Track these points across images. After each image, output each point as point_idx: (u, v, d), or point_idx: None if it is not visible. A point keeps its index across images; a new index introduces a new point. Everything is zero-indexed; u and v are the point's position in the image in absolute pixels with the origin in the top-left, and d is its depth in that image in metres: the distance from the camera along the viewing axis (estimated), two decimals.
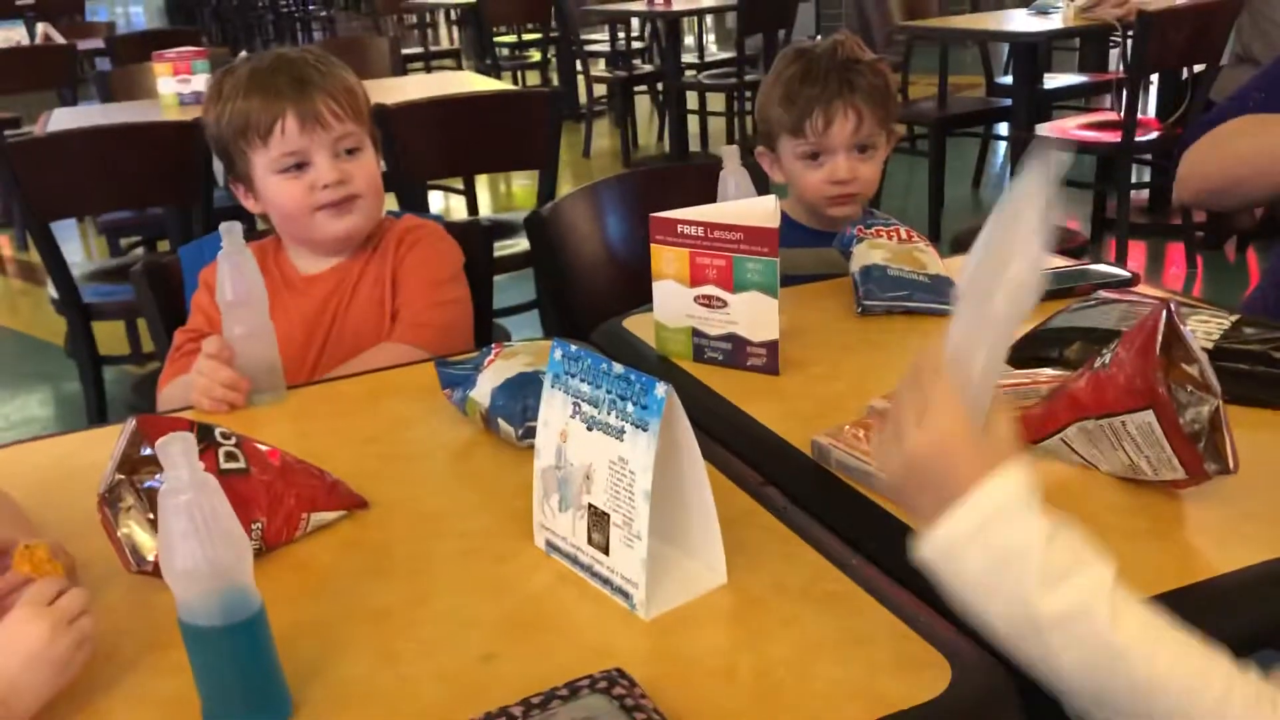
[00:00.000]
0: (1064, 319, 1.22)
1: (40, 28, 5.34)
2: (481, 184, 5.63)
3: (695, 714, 0.72)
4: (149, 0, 13.85)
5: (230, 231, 1.22)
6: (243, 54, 3.32)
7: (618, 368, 0.84)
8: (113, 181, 2.63)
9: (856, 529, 0.94)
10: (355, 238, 1.45)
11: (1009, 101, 4.35)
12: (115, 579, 0.91)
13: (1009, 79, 4.56)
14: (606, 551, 0.85)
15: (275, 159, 1.38)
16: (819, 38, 1.72)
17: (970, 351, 0.77)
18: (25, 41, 5.21)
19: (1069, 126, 4.01)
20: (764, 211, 1.26)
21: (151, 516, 0.90)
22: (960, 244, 1.62)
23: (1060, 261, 1.51)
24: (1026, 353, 1.16)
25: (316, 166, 1.38)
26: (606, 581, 0.86)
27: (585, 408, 0.86)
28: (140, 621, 0.87)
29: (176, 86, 3.39)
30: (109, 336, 2.75)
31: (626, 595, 0.84)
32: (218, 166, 1.51)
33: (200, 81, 3.39)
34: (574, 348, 0.89)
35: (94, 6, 10.89)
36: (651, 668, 0.77)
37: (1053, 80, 4.61)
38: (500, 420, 1.11)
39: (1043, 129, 3.97)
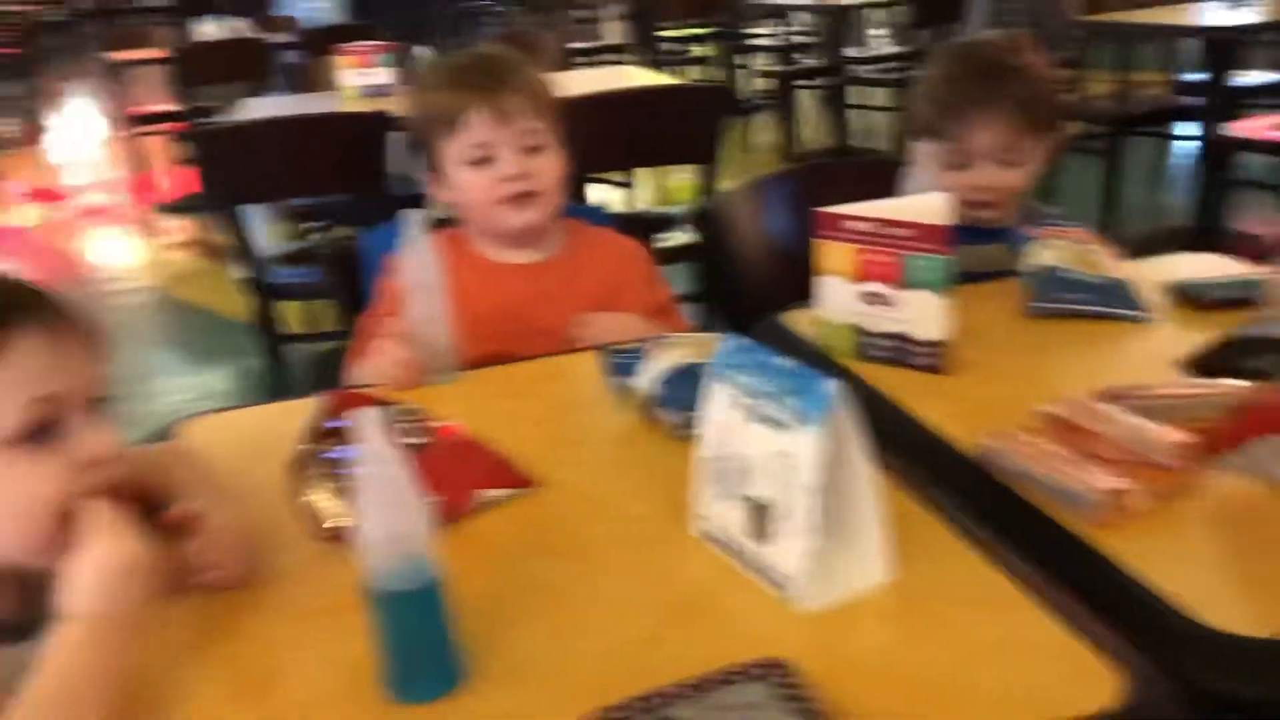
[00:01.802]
0: (1256, 328, 1.17)
1: (234, 23, 5.65)
2: (638, 176, 5.69)
3: (853, 709, 0.73)
4: None
5: (412, 220, 1.28)
6: (419, 50, 3.46)
7: (785, 362, 0.85)
8: (297, 169, 2.77)
9: (1024, 535, 0.92)
10: (533, 232, 1.51)
11: (1193, 99, 4.13)
12: (300, 544, 0.97)
13: (1194, 75, 4.33)
14: (767, 543, 0.86)
15: (464, 150, 1.44)
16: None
17: None
18: (222, 36, 5.52)
19: (1260, 127, 3.78)
20: (935, 208, 1.24)
21: (334, 485, 0.96)
22: (1136, 248, 1.55)
23: (1245, 267, 1.44)
24: (1215, 362, 1.11)
25: (501, 160, 1.44)
26: (766, 573, 0.86)
27: (750, 400, 0.87)
28: (322, 585, 0.92)
29: (358, 79, 3.54)
30: (291, 316, 2.90)
31: (785, 588, 0.84)
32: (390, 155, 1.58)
33: (381, 74, 3.54)
34: (741, 340, 0.90)
35: (281, 2, 11.47)
36: (808, 660, 0.77)
37: (1242, 78, 4.36)
38: (662, 410, 1.13)
39: (1230, 128, 3.76)
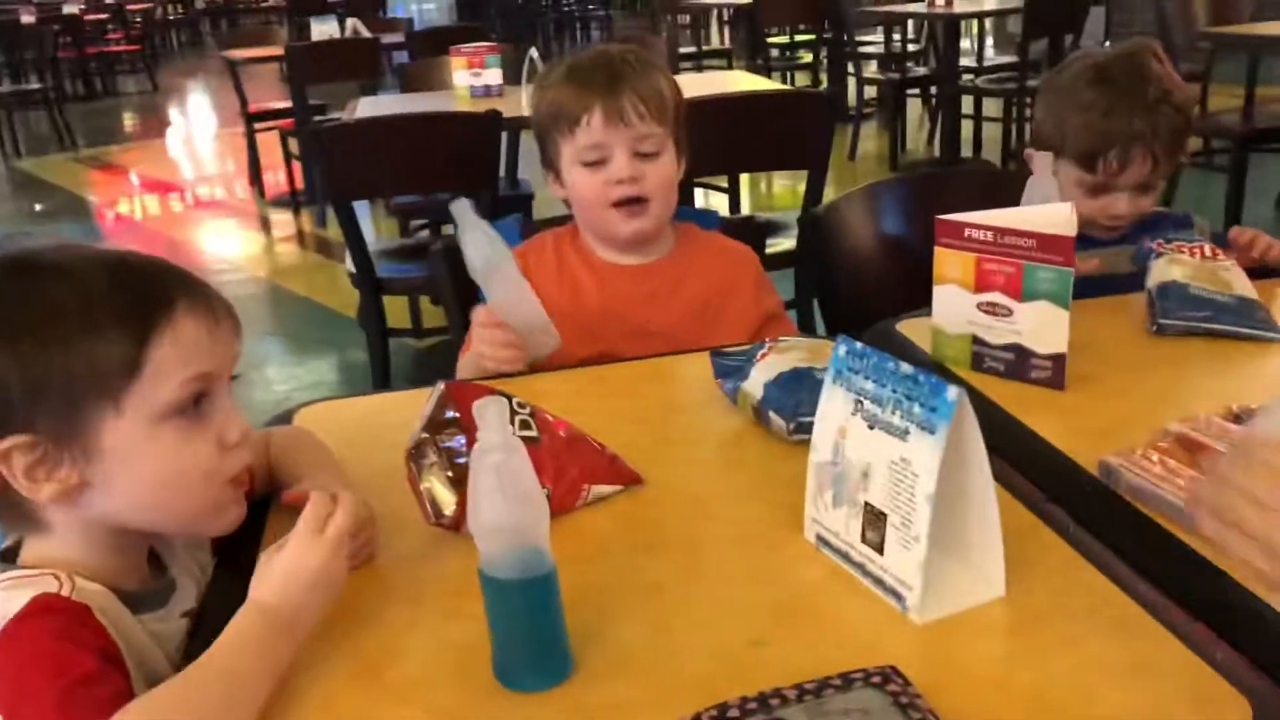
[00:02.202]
0: None
1: (350, 22, 5.79)
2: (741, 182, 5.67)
3: None
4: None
5: (460, 207, 1.30)
6: (532, 51, 3.50)
7: (905, 367, 0.83)
8: (411, 166, 2.82)
9: (1147, 556, 0.89)
10: (643, 240, 1.51)
11: None
12: (413, 529, 0.98)
13: None
14: (881, 551, 0.85)
15: (579, 150, 1.45)
16: (1107, 44, 1.63)
17: None
18: (337, 35, 5.66)
19: None
20: (1059, 219, 1.21)
21: (450, 474, 0.97)
22: (1261, 267, 1.50)
23: None
24: None
25: (614, 162, 1.44)
26: (879, 581, 0.85)
27: (868, 405, 0.86)
28: (436, 570, 0.93)
29: (469, 79, 3.59)
30: (391, 311, 2.96)
31: (899, 597, 0.83)
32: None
33: (492, 75, 3.59)
34: (859, 345, 0.89)
35: (391, 3, 11.73)
36: (923, 671, 0.76)
37: None
38: (772, 413, 1.12)
39: None
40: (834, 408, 0.90)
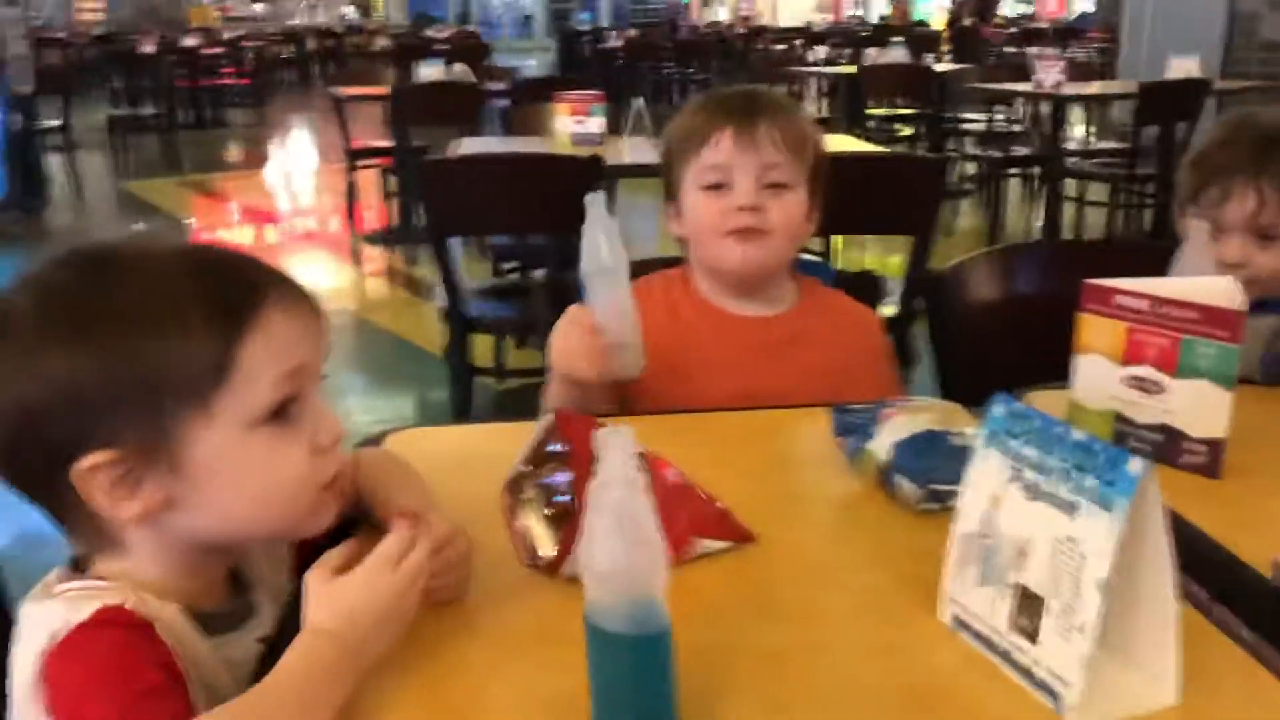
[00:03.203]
0: None
1: (457, 68, 5.87)
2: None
3: None
4: (541, 56, 15.03)
5: (594, 201, 1.21)
6: (639, 101, 3.48)
7: (1077, 433, 0.74)
8: (507, 205, 2.80)
9: None
10: (752, 274, 1.41)
11: None
12: (507, 568, 0.91)
13: None
14: (1034, 640, 0.75)
15: (702, 170, 1.38)
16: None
17: None
18: (443, 79, 5.73)
19: None
20: (1222, 291, 1.11)
21: (547, 512, 0.89)
22: None
23: None
24: None
25: (737, 188, 1.36)
26: (1027, 673, 0.75)
27: (1029, 474, 0.77)
28: (530, 613, 0.86)
29: (573, 126, 3.59)
30: (476, 351, 2.92)
31: (1054, 694, 0.73)
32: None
33: (594, 123, 3.58)
34: (1020, 405, 0.80)
35: (495, 55, 11.96)
36: None
37: None
38: (900, 477, 1.03)
39: None
40: (987, 474, 0.80)
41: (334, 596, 0.77)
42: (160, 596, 0.77)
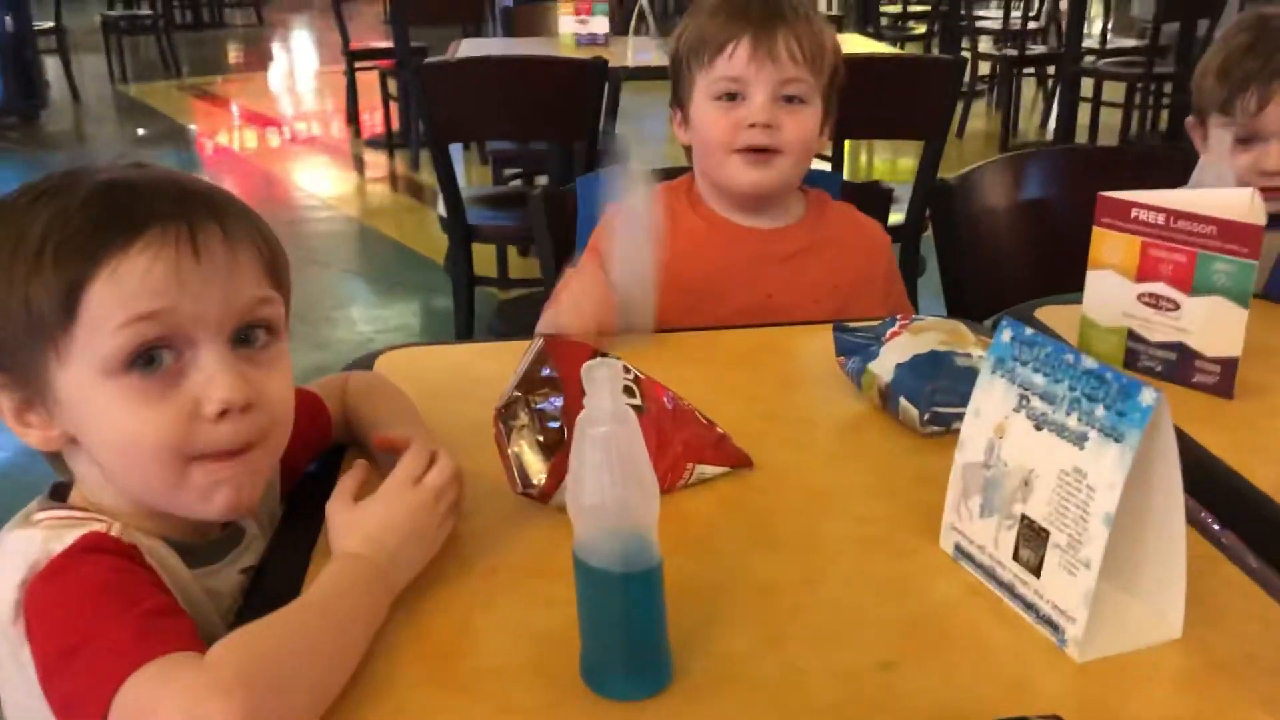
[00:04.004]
0: None
1: None
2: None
3: None
4: None
5: (637, 166, 1.20)
6: (643, 0, 3.38)
7: (1088, 361, 0.71)
8: (508, 111, 2.72)
9: None
10: (763, 197, 1.36)
11: None
12: (497, 496, 0.88)
13: None
14: (1037, 573, 0.73)
15: (715, 81, 1.31)
16: None
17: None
18: None
19: None
20: (1241, 205, 1.06)
21: (541, 438, 0.87)
22: None
23: None
24: None
25: (751, 101, 1.30)
26: (1031, 607, 0.73)
27: (1036, 402, 0.74)
28: (520, 545, 0.84)
29: (576, 27, 3.49)
30: (478, 259, 2.87)
31: (1056, 628, 0.71)
32: None
33: (598, 23, 3.48)
34: (1029, 331, 0.76)
35: None
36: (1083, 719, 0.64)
37: None
38: (902, 399, 1.00)
39: None
40: (992, 401, 0.78)
41: (358, 521, 0.78)
42: (138, 528, 0.75)
